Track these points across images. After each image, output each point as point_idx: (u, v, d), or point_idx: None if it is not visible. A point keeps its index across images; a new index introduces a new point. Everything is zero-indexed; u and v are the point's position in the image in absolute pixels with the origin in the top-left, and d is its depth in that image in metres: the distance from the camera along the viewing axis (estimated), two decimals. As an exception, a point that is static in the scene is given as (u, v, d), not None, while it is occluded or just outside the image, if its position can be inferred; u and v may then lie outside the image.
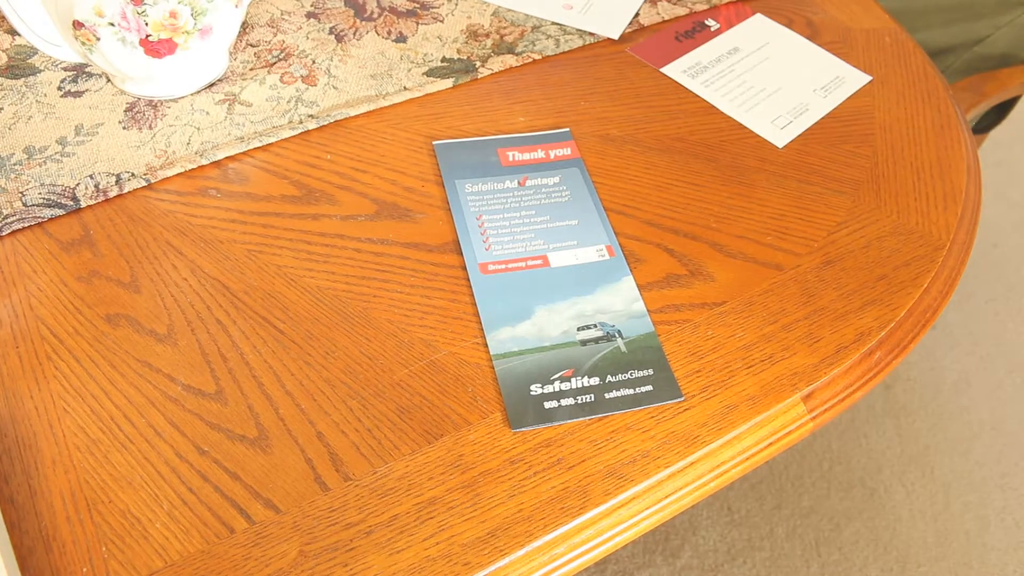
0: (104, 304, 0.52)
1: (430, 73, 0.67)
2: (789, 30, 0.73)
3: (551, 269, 0.55)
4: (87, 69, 0.65)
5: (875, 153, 0.64)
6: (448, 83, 0.66)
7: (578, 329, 0.52)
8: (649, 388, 0.49)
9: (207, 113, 0.62)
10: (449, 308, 0.53)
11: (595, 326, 0.52)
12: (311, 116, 0.63)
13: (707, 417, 0.48)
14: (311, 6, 0.72)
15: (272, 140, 0.61)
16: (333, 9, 0.72)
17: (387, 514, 0.44)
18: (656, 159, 0.62)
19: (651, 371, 0.50)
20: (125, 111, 0.62)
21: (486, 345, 0.51)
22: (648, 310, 0.53)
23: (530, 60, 0.69)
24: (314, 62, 0.67)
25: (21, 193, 0.56)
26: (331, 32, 0.70)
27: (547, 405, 0.48)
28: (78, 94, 0.63)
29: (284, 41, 0.69)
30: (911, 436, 1.30)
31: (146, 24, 0.55)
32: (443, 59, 0.68)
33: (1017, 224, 1.58)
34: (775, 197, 0.60)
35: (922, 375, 1.36)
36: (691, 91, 0.68)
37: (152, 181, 0.58)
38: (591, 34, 0.72)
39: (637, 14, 0.74)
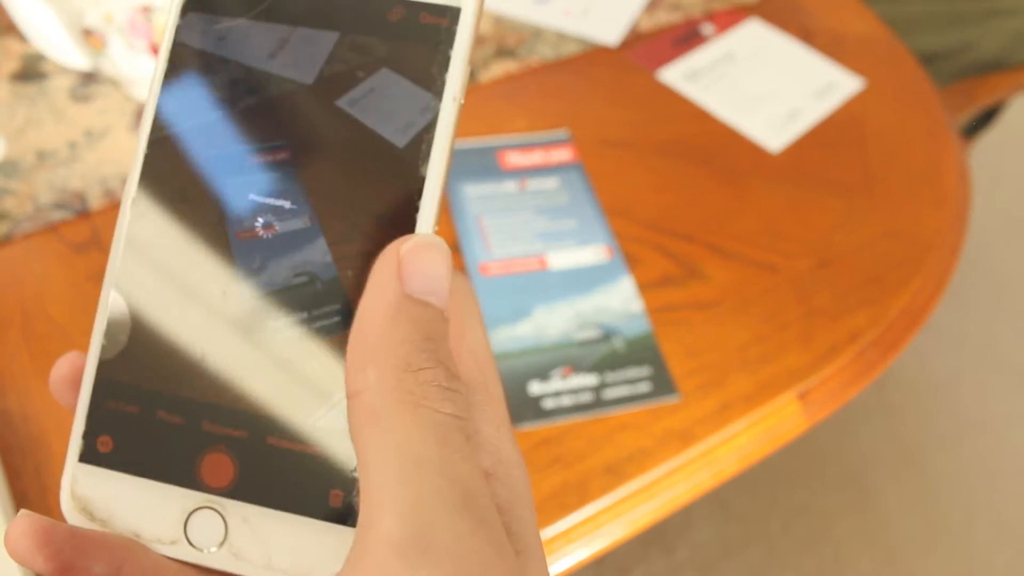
0: (114, 304, 0.52)
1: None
2: (784, 36, 0.75)
3: (550, 270, 0.56)
4: (96, 75, 0.66)
5: (868, 157, 0.65)
6: (449, 87, 0.67)
7: (577, 329, 0.53)
8: (646, 387, 0.50)
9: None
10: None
11: (593, 326, 0.53)
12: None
13: (703, 415, 0.50)
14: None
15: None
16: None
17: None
18: (653, 162, 0.64)
19: (648, 370, 0.51)
20: (134, 115, 0.63)
21: (488, 345, 0.52)
22: (645, 310, 0.54)
23: (530, 66, 0.70)
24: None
25: (32, 196, 0.57)
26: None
27: (546, 404, 0.49)
28: (88, 99, 0.64)
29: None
30: (902, 434, 1.31)
31: (155, 30, 0.56)
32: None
33: (1006, 226, 1.60)
34: (770, 200, 0.61)
35: (913, 374, 1.38)
36: (687, 96, 0.69)
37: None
38: (590, 40, 0.73)
39: (635, 20, 0.75)
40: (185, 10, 0.25)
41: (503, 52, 0.71)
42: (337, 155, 0.23)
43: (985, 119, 1.05)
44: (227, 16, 0.24)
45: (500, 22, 0.74)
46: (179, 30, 0.25)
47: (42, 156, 0.60)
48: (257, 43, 0.24)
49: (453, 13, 0.23)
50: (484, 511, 0.17)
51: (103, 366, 0.24)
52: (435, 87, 0.23)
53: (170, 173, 0.24)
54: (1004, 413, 1.35)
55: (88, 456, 0.23)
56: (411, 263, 0.19)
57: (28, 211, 0.56)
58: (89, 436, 0.23)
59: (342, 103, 0.24)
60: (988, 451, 1.30)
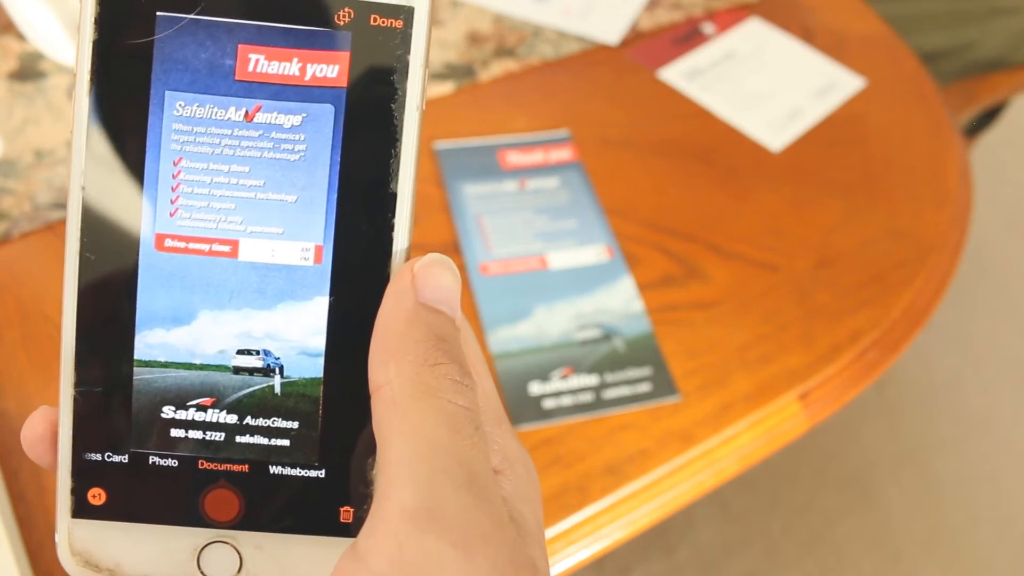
0: (112, 304, 0.52)
1: (432, 77, 0.68)
2: (784, 35, 0.75)
3: (550, 270, 0.56)
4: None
5: (868, 156, 0.65)
6: (449, 87, 0.67)
7: (577, 329, 0.53)
8: (647, 387, 0.50)
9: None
10: (451, 309, 0.53)
11: (594, 326, 0.53)
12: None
13: (704, 415, 0.49)
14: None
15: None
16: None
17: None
18: (654, 162, 0.63)
19: (649, 370, 0.51)
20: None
21: (486, 344, 0.52)
22: (646, 310, 0.54)
23: (530, 65, 0.70)
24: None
25: (30, 195, 0.57)
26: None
27: (546, 404, 0.49)
28: (85, 97, 0.64)
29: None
30: (904, 434, 1.31)
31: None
32: (444, 64, 0.69)
33: (1008, 226, 1.59)
34: (770, 199, 0.61)
35: (915, 374, 1.37)
36: (688, 95, 0.69)
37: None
38: (590, 39, 0.72)
39: (635, 19, 0.75)
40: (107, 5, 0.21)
41: (503, 51, 0.71)
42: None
43: (987, 118, 1.05)
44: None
45: (500, 21, 0.73)
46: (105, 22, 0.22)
47: (40, 155, 0.60)
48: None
49: (407, 13, 0.21)
50: (487, 491, 0.19)
51: (80, 418, 0.22)
52: (396, 99, 0.22)
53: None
54: (1006, 413, 1.34)
55: (81, 511, 0.22)
56: (423, 277, 0.21)
57: (26, 210, 0.56)
58: (78, 492, 0.22)
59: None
60: (990, 451, 1.30)
